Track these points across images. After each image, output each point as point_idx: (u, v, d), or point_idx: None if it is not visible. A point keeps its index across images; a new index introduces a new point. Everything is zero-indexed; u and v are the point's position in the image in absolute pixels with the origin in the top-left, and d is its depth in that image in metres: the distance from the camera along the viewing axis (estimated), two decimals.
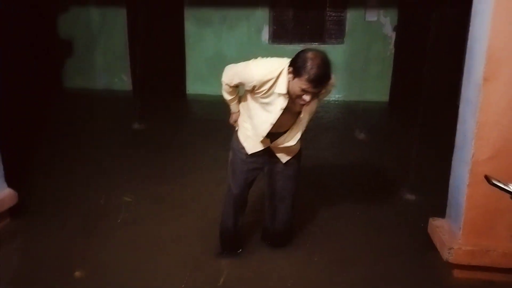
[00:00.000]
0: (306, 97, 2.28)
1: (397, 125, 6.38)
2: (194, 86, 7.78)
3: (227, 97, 2.71)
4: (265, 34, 7.53)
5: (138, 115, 6.00)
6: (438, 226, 3.03)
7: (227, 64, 2.64)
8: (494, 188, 2.69)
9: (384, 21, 7.28)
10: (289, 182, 2.81)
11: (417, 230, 3.28)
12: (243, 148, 2.69)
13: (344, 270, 2.86)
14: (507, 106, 2.61)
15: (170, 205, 3.69)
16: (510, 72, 2.55)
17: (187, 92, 7.78)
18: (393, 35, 7.28)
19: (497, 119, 2.63)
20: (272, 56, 2.51)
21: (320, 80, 2.23)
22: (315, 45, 7.46)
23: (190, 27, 7.65)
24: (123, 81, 8.05)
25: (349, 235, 3.27)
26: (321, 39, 7.51)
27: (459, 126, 2.91)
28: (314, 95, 2.31)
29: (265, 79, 2.36)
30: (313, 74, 2.20)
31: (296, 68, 2.26)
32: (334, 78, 2.50)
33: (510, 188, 1.54)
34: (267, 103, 2.46)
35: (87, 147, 5.12)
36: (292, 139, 2.64)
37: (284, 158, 2.74)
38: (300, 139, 2.68)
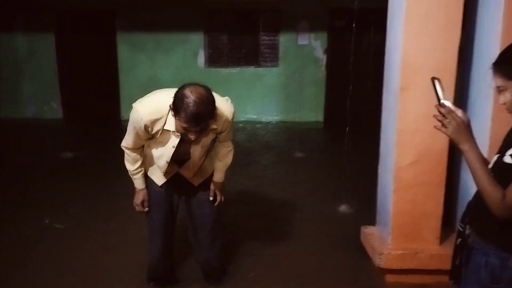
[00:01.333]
0: (191, 136, 2.11)
1: (332, 142, 6.55)
2: (129, 112, 7.55)
3: (130, 167, 2.47)
4: (201, 58, 7.57)
5: (69, 143, 5.76)
6: (369, 234, 3.09)
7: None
8: (418, 192, 2.84)
9: (315, 45, 7.57)
10: (206, 207, 2.59)
11: (351, 240, 3.33)
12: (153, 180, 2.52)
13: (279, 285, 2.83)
14: (424, 113, 2.73)
15: (103, 232, 3.52)
16: (424, 81, 2.69)
17: (122, 118, 7.57)
18: (324, 57, 7.59)
19: (416, 126, 2.74)
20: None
21: (198, 119, 2.02)
22: (251, 69, 7.63)
23: (123, 52, 7.54)
24: (53, 109, 7.73)
25: (285, 251, 3.25)
26: (256, 62, 7.67)
27: (382, 135, 3.02)
28: (199, 133, 2.13)
29: (154, 117, 2.19)
30: (190, 113, 1.99)
31: (175, 106, 2.05)
32: (230, 108, 2.32)
33: (441, 95, 1.46)
34: (160, 141, 2.31)
35: (14, 178, 4.79)
36: (196, 172, 2.50)
37: (196, 181, 2.55)
38: (210, 161, 2.56)
